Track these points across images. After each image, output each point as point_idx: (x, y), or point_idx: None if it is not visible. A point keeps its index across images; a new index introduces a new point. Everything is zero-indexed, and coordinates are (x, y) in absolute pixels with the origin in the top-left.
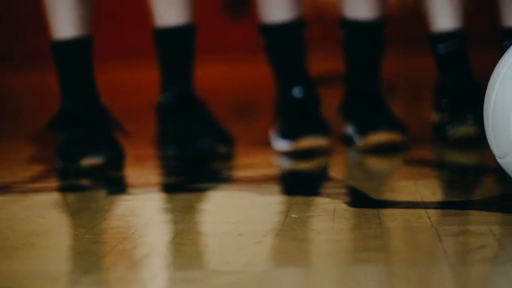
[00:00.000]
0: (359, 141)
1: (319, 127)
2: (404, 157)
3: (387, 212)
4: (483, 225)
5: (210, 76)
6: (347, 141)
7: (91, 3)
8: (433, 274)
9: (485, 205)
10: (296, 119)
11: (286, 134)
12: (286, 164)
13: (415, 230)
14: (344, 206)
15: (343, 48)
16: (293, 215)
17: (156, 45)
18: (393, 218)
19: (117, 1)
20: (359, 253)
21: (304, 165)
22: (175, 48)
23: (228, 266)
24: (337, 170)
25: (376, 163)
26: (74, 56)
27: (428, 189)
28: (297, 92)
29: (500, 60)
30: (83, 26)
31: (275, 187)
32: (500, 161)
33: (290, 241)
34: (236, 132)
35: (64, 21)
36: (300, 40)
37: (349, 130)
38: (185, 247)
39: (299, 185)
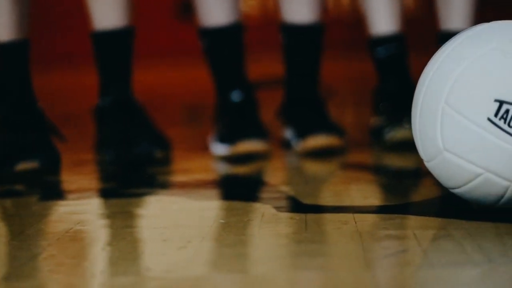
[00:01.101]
0: (297, 145)
1: (257, 131)
2: (342, 161)
3: (315, 217)
4: (408, 229)
5: (162, 80)
6: (286, 145)
7: (27, 6)
8: (349, 278)
9: (414, 209)
10: (234, 123)
11: (224, 139)
12: (223, 168)
13: (339, 235)
14: (273, 211)
15: (283, 52)
16: (221, 220)
17: (94, 49)
18: (319, 222)
19: (56, 4)
20: (272, 258)
21: (241, 170)
22: (113, 52)
23: (149, 272)
24: (273, 174)
25: (313, 167)
26: (10, 59)
27: (360, 193)
28: (235, 96)
29: (427, 64)
30: (19, 30)
31: (209, 192)
32: (427, 164)
33: (214, 246)
34: (179, 136)
35: (1, 24)
36: (238, 43)
37: (288, 134)
38: (109, 253)
39: (234, 190)
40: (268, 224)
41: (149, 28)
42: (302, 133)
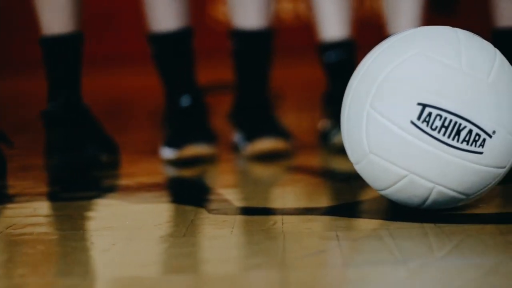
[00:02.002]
0: (245, 149)
1: (204, 136)
2: (288, 164)
3: (245, 218)
4: (332, 230)
5: (133, 83)
6: (235, 149)
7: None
8: (261, 279)
9: (343, 211)
10: (182, 127)
11: (171, 143)
12: (169, 172)
13: (263, 236)
14: (205, 213)
15: (232, 57)
16: (154, 224)
17: (42, 54)
18: (247, 225)
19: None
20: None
21: (187, 173)
22: (60, 57)
23: (94, 274)
24: (218, 177)
25: (259, 170)
26: None
27: (295, 195)
28: (184, 101)
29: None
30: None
31: (149, 195)
32: (355, 167)
33: (139, 248)
34: (136, 140)
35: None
36: (187, 48)
37: (237, 137)
38: (32, 257)
39: (175, 193)
40: (196, 226)
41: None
42: (249, 137)
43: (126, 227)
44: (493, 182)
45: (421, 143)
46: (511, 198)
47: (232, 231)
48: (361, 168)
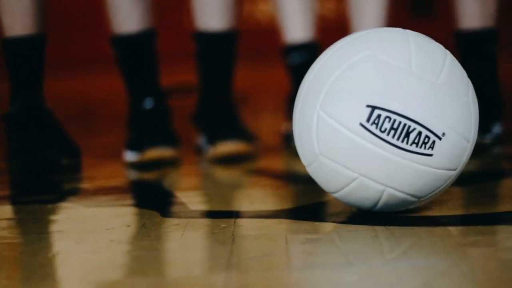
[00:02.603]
0: (208, 151)
1: (167, 138)
2: (251, 167)
3: (197, 221)
4: (282, 233)
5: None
6: (199, 152)
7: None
8: (205, 283)
9: (297, 213)
10: (144, 130)
11: (133, 145)
12: (130, 175)
13: (213, 239)
14: (159, 217)
15: (196, 59)
16: (106, 228)
17: (5, 56)
18: (199, 228)
19: None
20: (136, 263)
21: (148, 176)
22: (23, 59)
23: (62, 277)
24: (179, 180)
25: (220, 173)
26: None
27: (253, 198)
28: (147, 103)
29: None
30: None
31: (106, 199)
32: (307, 169)
33: (85, 252)
34: (103, 143)
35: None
36: (150, 51)
37: (200, 140)
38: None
39: (132, 196)
40: (147, 229)
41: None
42: (212, 140)
43: (77, 231)
44: (445, 184)
45: (370, 145)
46: (463, 200)
47: (182, 234)
48: (312, 170)
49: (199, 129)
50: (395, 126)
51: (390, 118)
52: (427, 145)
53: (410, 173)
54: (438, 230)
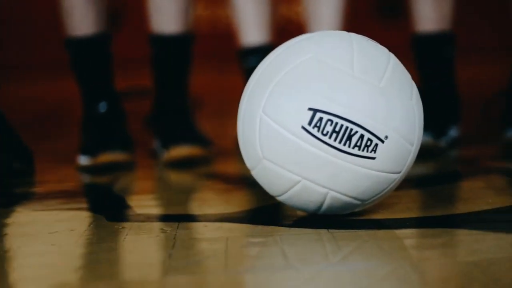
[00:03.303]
0: (163, 155)
1: (121, 142)
2: (205, 171)
3: (142, 225)
4: (224, 236)
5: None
6: (154, 155)
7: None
8: (141, 286)
9: (242, 217)
10: (97, 134)
11: (86, 149)
12: (83, 179)
13: (153, 243)
14: (104, 220)
15: (151, 62)
16: (49, 232)
17: None
18: (142, 231)
19: None
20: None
21: (100, 180)
22: None
23: (15, 281)
24: (130, 184)
25: (174, 177)
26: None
27: (203, 201)
28: (101, 107)
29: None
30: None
31: (55, 203)
32: (251, 173)
33: (25, 256)
34: (59, 147)
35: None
36: (104, 54)
37: (155, 144)
38: None
39: (81, 200)
40: (91, 233)
41: None
42: (166, 144)
43: (21, 235)
44: (389, 187)
45: (312, 148)
46: (411, 204)
47: (125, 238)
48: (256, 174)
49: (154, 133)
50: (337, 129)
51: (332, 121)
52: (370, 148)
53: (352, 176)
54: (383, 233)
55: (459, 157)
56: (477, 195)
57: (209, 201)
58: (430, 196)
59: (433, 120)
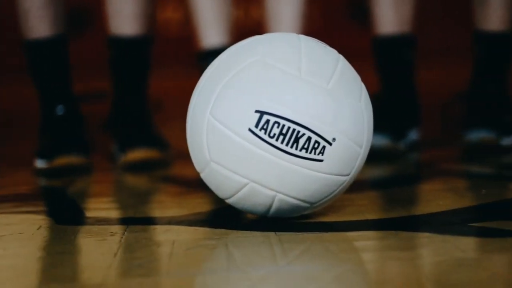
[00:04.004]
0: (120, 158)
1: (77, 145)
2: (163, 174)
3: (90, 228)
4: (171, 239)
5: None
6: (113, 159)
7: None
8: None
9: (191, 220)
10: (54, 137)
11: (43, 153)
12: (38, 183)
13: (98, 246)
14: (53, 223)
15: (109, 65)
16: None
17: None
18: (88, 234)
19: None
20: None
21: (56, 184)
22: None
23: None
24: (86, 188)
25: (131, 180)
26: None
27: (153, 204)
28: (58, 110)
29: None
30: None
31: (6, 206)
32: (201, 176)
33: None
34: (19, 150)
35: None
36: (61, 56)
37: (113, 147)
38: None
39: (34, 204)
40: (39, 236)
41: None
42: (123, 147)
43: None
44: (338, 190)
45: (259, 150)
46: (362, 206)
47: (72, 241)
48: (205, 176)
49: (112, 136)
50: (284, 131)
51: (279, 124)
52: (317, 151)
53: (300, 179)
54: (332, 236)
55: (418, 159)
56: (431, 197)
57: (162, 204)
58: (384, 198)
59: (392, 123)
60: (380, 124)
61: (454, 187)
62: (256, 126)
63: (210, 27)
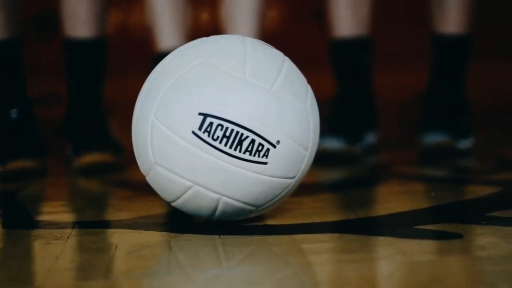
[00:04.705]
0: (74, 162)
1: (32, 149)
2: (116, 178)
3: (36, 232)
4: (113, 242)
5: None
6: (68, 163)
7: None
8: None
9: (138, 223)
10: (8, 141)
11: None
12: None
13: (42, 250)
14: None
15: (63, 67)
16: None
17: None
18: (32, 238)
19: None
20: None
21: (8, 187)
22: None
23: None
24: (38, 192)
25: (83, 184)
26: None
27: (102, 208)
28: (12, 113)
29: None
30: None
31: None
32: (146, 179)
33: None
34: None
35: None
36: (15, 60)
37: (69, 151)
38: None
39: None
40: None
41: None
42: (77, 151)
43: None
44: (283, 193)
45: (203, 153)
46: (310, 209)
47: (14, 245)
48: (150, 179)
49: (66, 140)
50: (227, 134)
51: (222, 126)
52: (261, 153)
53: (244, 182)
54: (277, 239)
55: (374, 162)
56: (381, 200)
57: (111, 208)
58: (334, 201)
59: (348, 126)
60: (336, 127)
61: (406, 190)
62: (200, 128)
63: (166, 30)
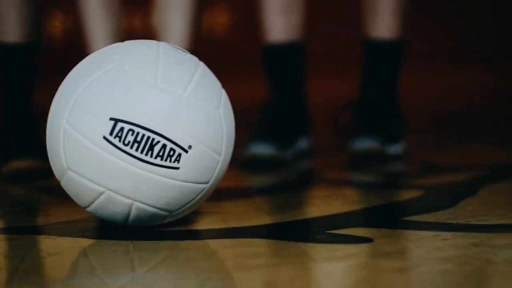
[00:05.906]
0: (2, 168)
1: None
2: (44, 184)
3: None
4: (23, 250)
5: None
6: None
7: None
8: None
9: (52, 229)
10: None
11: None
12: None
13: None
14: None
15: None
16: None
17: None
18: None
19: None
20: None
21: None
22: None
23: None
24: None
25: (13, 191)
26: None
27: (25, 214)
28: None
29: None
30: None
31: None
32: (61, 184)
33: None
34: None
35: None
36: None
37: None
38: None
39: None
40: None
41: None
42: (6, 156)
43: None
44: (197, 198)
45: (114, 158)
46: (228, 214)
47: None
48: (64, 185)
49: None
50: (138, 139)
51: (133, 131)
52: (173, 158)
53: (156, 187)
54: (190, 244)
55: (305, 167)
56: (302, 205)
57: (31, 214)
58: (252, 206)
59: (279, 131)
60: (267, 132)
61: (330, 195)
62: (111, 133)
63: (99, 39)
